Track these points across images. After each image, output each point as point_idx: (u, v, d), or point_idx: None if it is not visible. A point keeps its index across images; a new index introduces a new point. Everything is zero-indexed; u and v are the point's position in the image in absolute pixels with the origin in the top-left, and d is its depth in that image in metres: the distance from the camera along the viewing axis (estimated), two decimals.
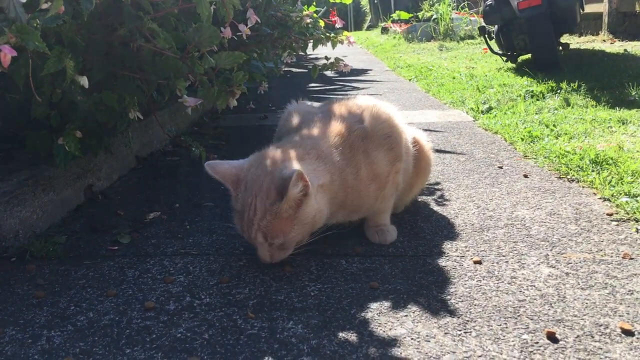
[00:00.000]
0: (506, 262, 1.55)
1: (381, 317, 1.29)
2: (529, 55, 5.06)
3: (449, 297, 1.37)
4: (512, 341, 1.18)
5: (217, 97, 1.94)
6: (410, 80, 5.51)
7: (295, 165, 1.43)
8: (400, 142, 1.69)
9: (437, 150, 2.77)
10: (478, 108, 3.79)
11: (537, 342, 1.17)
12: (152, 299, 1.39)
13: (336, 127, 1.61)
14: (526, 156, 2.60)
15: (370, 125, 1.64)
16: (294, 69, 6.31)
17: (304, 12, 3.29)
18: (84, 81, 1.47)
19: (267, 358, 1.15)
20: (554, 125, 3.00)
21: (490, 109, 3.77)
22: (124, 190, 2.26)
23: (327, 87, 5.25)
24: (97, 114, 1.77)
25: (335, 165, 1.53)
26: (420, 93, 4.72)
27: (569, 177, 2.24)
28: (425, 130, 3.28)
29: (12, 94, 1.76)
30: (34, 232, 1.76)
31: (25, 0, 1.18)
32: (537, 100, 3.83)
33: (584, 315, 1.27)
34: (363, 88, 5.04)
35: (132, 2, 1.67)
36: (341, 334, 1.22)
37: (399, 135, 1.70)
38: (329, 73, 4.89)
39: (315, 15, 3.37)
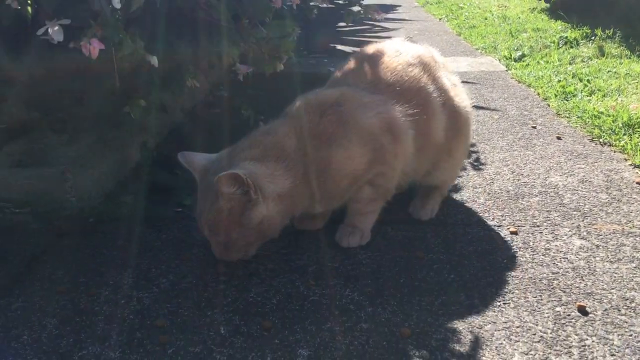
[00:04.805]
0: (540, 232, 1.68)
1: (427, 287, 1.44)
2: None
3: (488, 267, 1.52)
4: (547, 313, 1.33)
5: (266, 65, 2.04)
6: (440, 19, 5.45)
7: (240, 167, 1.40)
8: (387, 148, 1.54)
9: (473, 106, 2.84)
10: (511, 55, 3.81)
11: (569, 315, 1.32)
12: (222, 264, 1.55)
13: (308, 114, 1.52)
14: (559, 114, 2.67)
15: (350, 110, 1.52)
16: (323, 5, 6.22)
17: None
18: (154, 61, 1.57)
19: (330, 324, 1.32)
20: (587, 81, 3.04)
21: (523, 56, 3.79)
22: (176, 146, 2.38)
23: (357, 28, 5.22)
24: (161, 85, 1.89)
25: (299, 163, 1.47)
26: (451, 36, 4.70)
27: (601, 140, 2.33)
28: None
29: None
30: (105, 192, 1.92)
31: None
32: (571, 47, 3.83)
33: (612, 288, 1.41)
34: (392, 29, 5.01)
35: None
36: (393, 302, 1.38)
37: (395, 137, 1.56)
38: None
39: None
